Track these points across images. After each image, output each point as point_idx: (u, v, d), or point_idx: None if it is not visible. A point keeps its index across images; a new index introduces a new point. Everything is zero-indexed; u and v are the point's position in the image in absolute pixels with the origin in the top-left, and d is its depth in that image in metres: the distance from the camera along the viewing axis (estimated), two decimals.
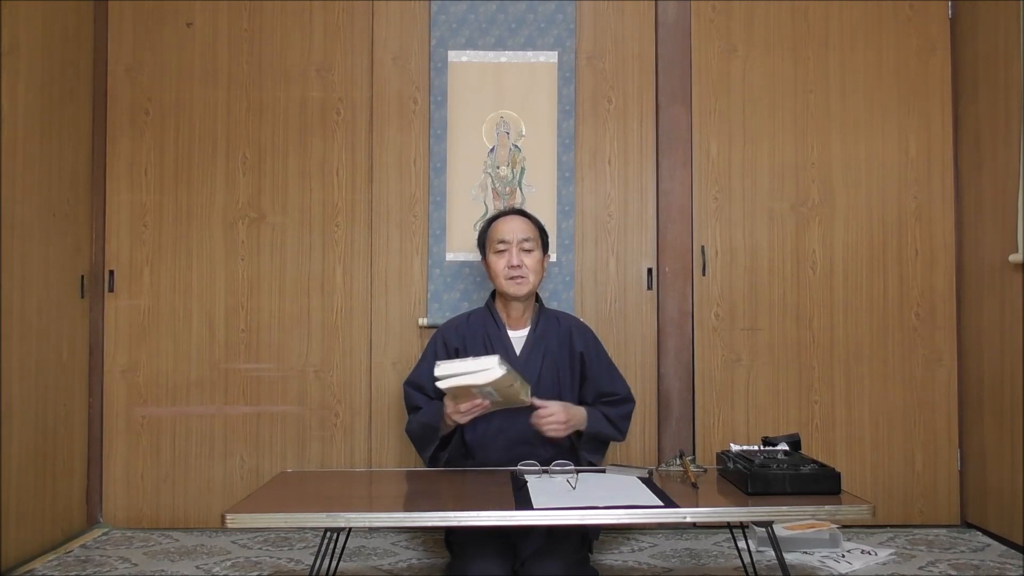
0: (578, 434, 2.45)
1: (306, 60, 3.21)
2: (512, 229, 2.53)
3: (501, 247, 2.52)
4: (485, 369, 2.09)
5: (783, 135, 3.18)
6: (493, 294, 2.62)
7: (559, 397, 2.46)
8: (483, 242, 2.60)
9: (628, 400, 2.59)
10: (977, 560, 2.69)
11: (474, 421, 2.33)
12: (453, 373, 2.12)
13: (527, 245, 2.51)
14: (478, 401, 2.20)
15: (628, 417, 2.58)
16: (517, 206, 3.05)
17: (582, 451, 2.45)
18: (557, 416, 2.33)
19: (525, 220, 2.57)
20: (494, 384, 2.10)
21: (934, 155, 3.16)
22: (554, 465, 2.16)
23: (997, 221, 2.92)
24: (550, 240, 2.68)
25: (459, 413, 2.24)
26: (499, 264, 2.51)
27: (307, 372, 3.16)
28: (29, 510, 2.73)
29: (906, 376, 3.13)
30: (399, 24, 3.20)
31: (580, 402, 2.53)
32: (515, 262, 2.48)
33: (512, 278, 2.49)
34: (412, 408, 2.52)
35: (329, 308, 3.17)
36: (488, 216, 2.79)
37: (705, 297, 3.15)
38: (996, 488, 2.91)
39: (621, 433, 2.54)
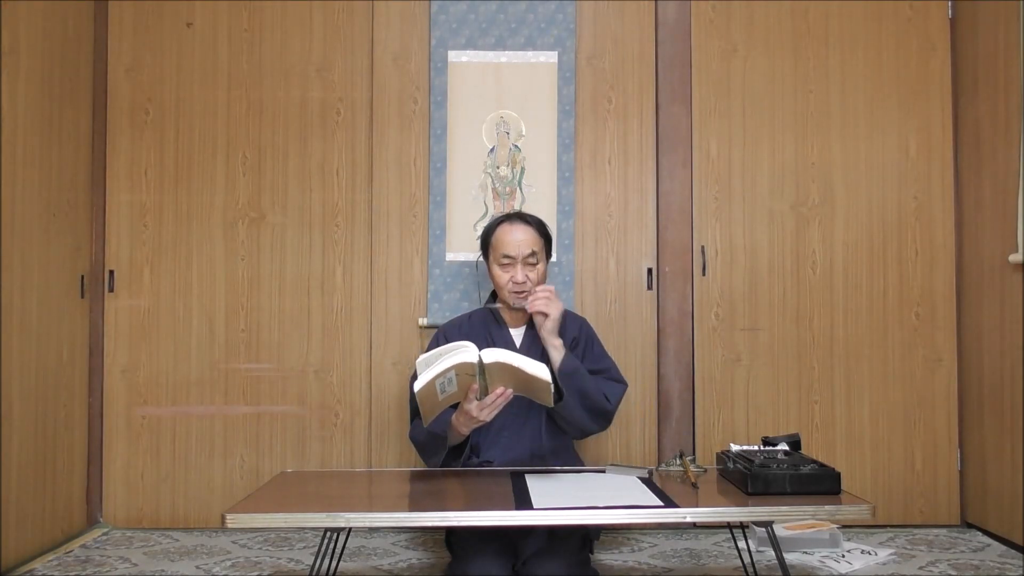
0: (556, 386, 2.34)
1: (306, 60, 3.20)
2: (517, 243, 2.49)
3: (505, 261, 2.50)
4: (463, 348, 2.07)
5: (783, 135, 3.18)
6: (493, 294, 2.62)
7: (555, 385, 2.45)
8: (485, 245, 2.58)
9: (619, 381, 2.54)
10: (977, 560, 2.69)
11: None
12: (430, 363, 2.07)
13: (532, 260, 2.49)
14: (500, 390, 2.13)
15: (618, 395, 2.50)
16: (518, 208, 3.06)
17: (561, 383, 2.34)
18: (543, 292, 2.41)
19: (530, 230, 2.52)
20: (477, 368, 2.06)
21: (934, 155, 3.16)
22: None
23: (997, 221, 2.92)
24: None
25: (484, 409, 2.16)
26: (503, 277, 2.50)
27: (307, 372, 3.16)
28: (29, 510, 2.73)
29: (906, 376, 3.13)
30: (399, 24, 3.20)
31: None
32: (520, 278, 2.47)
33: (516, 292, 2.49)
34: (415, 412, 2.51)
35: (329, 308, 3.17)
36: (492, 218, 2.77)
37: (705, 297, 3.15)
38: (996, 488, 2.91)
39: (609, 403, 2.45)
